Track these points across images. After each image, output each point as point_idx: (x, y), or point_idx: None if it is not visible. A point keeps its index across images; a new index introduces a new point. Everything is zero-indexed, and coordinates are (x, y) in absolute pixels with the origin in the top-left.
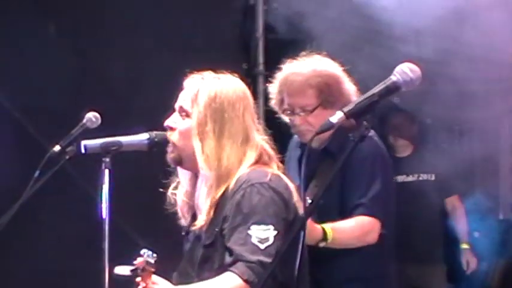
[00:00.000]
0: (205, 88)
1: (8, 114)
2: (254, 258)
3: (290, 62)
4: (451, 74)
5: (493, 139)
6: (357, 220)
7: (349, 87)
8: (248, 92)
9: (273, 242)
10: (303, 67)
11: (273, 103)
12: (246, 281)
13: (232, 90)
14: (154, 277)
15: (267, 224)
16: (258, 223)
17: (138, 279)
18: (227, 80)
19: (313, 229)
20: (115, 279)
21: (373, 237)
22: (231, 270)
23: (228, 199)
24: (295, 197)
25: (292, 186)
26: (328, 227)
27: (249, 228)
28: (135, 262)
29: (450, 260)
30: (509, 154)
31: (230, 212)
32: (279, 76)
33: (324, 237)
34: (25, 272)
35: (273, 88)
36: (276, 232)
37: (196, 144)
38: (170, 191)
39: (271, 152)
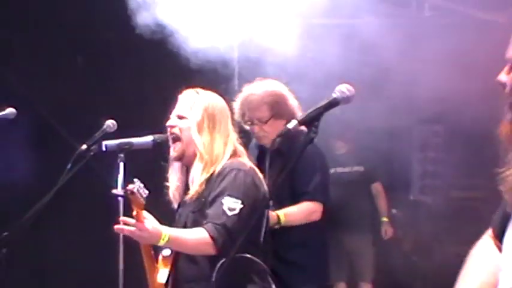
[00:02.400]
0: (201, 98)
1: (44, 120)
2: (220, 221)
3: (248, 85)
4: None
5: (407, 140)
6: (303, 204)
7: (293, 102)
8: (225, 104)
9: (238, 213)
10: (258, 89)
11: (236, 116)
12: (211, 237)
13: (219, 101)
14: (145, 212)
15: (237, 198)
16: (231, 196)
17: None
18: (214, 94)
19: (270, 216)
20: (112, 196)
21: (316, 216)
22: (203, 227)
23: (213, 180)
24: (264, 184)
25: (261, 176)
26: (281, 213)
27: (223, 198)
28: (128, 187)
29: (375, 229)
30: (419, 151)
31: (214, 187)
32: (240, 96)
33: (278, 221)
34: (59, 242)
35: (236, 105)
36: (242, 206)
37: (196, 136)
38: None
39: (241, 148)
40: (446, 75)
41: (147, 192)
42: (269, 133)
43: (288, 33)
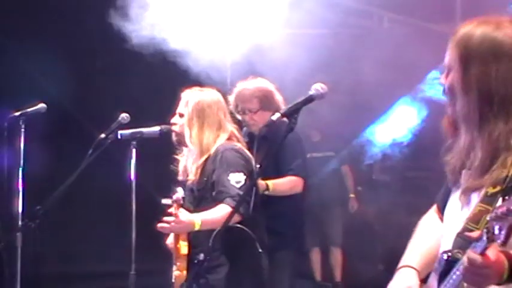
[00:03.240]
0: (193, 96)
1: (70, 114)
2: (234, 193)
3: (241, 82)
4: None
5: None
6: (288, 178)
7: (279, 97)
8: (221, 98)
9: (244, 183)
10: (250, 84)
11: (231, 107)
12: (233, 207)
13: (209, 97)
14: (181, 209)
15: (239, 171)
16: (233, 172)
17: (172, 209)
18: (207, 91)
19: (261, 184)
20: (163, 205)
21: (298, 189)
22: (223, 203)
23: (211, 161)
24: (252, 160)
25: (249, 154)
26: (270, 182)
27: (228, 176)
28: (174, 196)
29: (343, 203)
30: None
31: (216, 166)
32: (235, 90)
33: (267, 188)
34: (81, 214)
35: (231, 98)
36: (245, 177)
37: (186, 131)
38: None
39: (239, 135)
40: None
41: (184, 195)
42: (257, 122)
43: (270, 42)
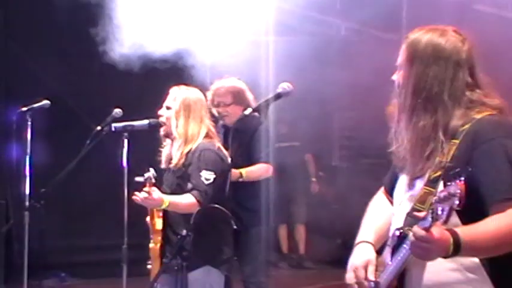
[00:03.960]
0: (181, 93)
1: (70, 109)
2: (201, 188)
3: (218, 80)
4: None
5: (329, 123)
6: (260, 165)
7: (249, 95)
8: (203, 97)
9: (212, 181)
10: (226, 82)
11: (209, 102)
12: (198, 200)
13: (194, 95)
14: (153, 188)
15: (211, 171)
16: (206, 170)
17: (146, 188)
18: (193, 90)
19: (235, 172)
20: (135, 183)
21: (269, 174)
22: (191, 194)
23: (191, 155)
24: (228, 158)
25: (226, 152)
26: (244, 170)
27: (201, 172)
28: (145, 174)
29: (306, 186)
30: (338, 130)
31: (194, 161)
32: (213, 87)
33: (241, 175)
34: (81, 195)
35: (209, 93)
36: (215, 176)
37: (173, 121)
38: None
39: (213, 130)
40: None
41: (155, 174)
42: (230, 114)
43: (241, 48)
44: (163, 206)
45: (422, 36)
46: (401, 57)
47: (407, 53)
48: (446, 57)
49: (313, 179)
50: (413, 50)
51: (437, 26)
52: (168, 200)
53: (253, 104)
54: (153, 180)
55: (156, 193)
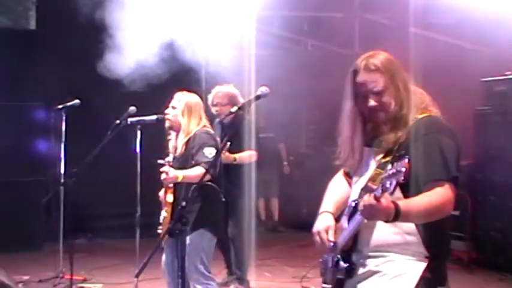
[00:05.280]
0: (185, 96)
1: (95, 106)
2: (207, 160)
3: (218, 86)
4: None
5: (295, 118)
6: (248, 152)
7: (240, 98)
8: (200, 100)
9: (215, 154)
10: (224, 88)
11: (209, 102)
12: (206, 170)
13: (194, 99)
14: (169, 167)
15: (212, 146)
16: (208, 147)
17: (164, 168)
18: (192, 95)
19: (230, 156)
20: (148, 164)
21: (254, 159)
22: (200, 165)
23: (191, 140)
24: (218, 140)
25: (216, 136)
26: (237, 155)
27: (203, 149)
28: (166, 158)
29: (280, 168)
30: (305, 124)
31: (195, 143)
32: (213, 91)
33: (235, 159)
34: (103, 176)
35: (210, 95)
36: (216, 150)
37: (181, 118)
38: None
39: (208, 125)
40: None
41: (171, 158)
42: (225, 112)
43: (230, 60)
44: (179, 180)
45: (384, 59)
46: (382, 84)
47: (388, 76)
48: (401, 68)
49: (285, 163)
50: (390, 72)
51: (381, 51)
52: (181, 174)
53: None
54: (171, 163)
55: (171, 172)
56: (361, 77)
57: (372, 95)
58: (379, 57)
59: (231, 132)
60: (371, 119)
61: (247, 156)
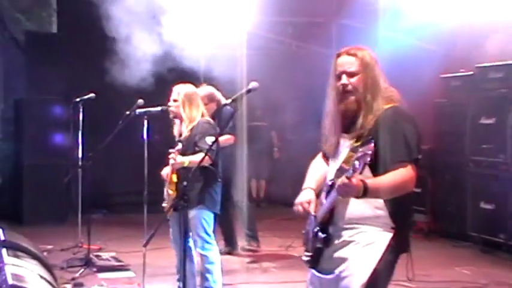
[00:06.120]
0: (184, 88)
1: (108, 99)
2: (207, 146)
3: (206, 85)
4: None
5: (281, 110)
6: (226, 135)
7: (217, 94)
8: (197, 90)
9: (214, 141)
10: (200, 91)
11: None
12: (209, 156)
13: (192, 89)
14: (176, 154)
15: (212, 135)
16: (209, 135)
17: (173, 155)
18: (189, 86)
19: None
20: (156, 151)
21: (231, 141)
22: (202, 151)
23: (195, 128)
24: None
25: (216, 125)
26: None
27: (204, 137)
28: (176, 147)
29: (270, 152)
30: (291, 114)
31: (198, 132)
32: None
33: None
34: (116, 160)
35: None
36: (214, 138)
37: (182, 109)
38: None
39: (206, 112)
40: (304, 77)
41: (181, 146)
42: (209, 109)
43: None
44: (186, 164)
45: (364, 52)
46: (355, 67)
47: (362, 63)
48: (378, 66)
49: (275, 149)
50: (365, 61)
51: (360, 45)
52: (187, 159)
53: (223, 99)
54: (180, 151)
55: (179, 158)
56: (341, 59)
57: (345, 75)
58: (361, 49)
59: (223, 124)
60: (342, 100)
61: (224, 139)
